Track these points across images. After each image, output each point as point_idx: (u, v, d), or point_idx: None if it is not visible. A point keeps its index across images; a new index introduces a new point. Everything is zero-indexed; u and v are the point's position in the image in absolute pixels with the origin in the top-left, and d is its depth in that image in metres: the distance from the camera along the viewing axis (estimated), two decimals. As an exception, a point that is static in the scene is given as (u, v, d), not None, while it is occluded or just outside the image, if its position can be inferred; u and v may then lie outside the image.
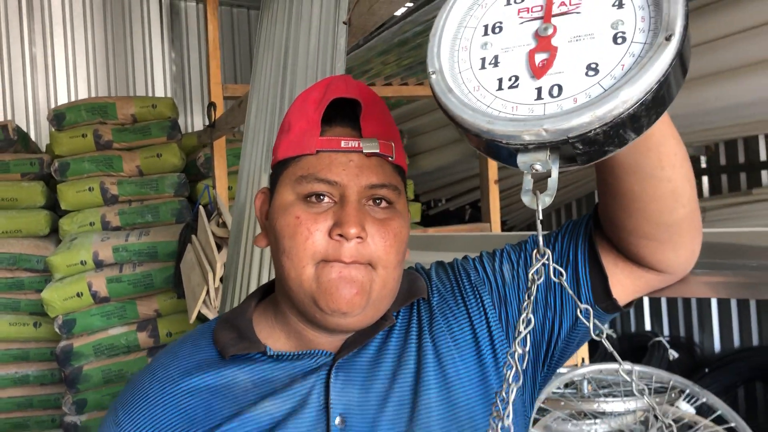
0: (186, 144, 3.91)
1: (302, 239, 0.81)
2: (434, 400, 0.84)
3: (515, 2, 0.61)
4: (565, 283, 0.61)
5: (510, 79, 0.57)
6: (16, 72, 5.20)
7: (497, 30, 0.60)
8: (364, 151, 0.83)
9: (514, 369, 0.59)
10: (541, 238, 0.59)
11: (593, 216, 0.87)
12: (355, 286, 0.81)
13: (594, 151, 0.54)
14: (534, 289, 0.59)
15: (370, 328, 0.87)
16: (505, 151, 0.56)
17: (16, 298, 3.62)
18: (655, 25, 0.55)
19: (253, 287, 1.78)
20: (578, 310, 0.61)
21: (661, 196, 0.74)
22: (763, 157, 3.82)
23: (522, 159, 0.54)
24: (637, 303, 4.88)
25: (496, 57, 0.59)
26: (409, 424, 0.83)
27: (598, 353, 4.21)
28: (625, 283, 0.86)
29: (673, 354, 4.47)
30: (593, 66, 0.54)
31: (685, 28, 0.54)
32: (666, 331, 4.66)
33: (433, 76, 0.60)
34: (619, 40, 0.55)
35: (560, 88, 0.55)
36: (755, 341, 4.03)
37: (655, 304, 4.76)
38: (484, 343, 0.87)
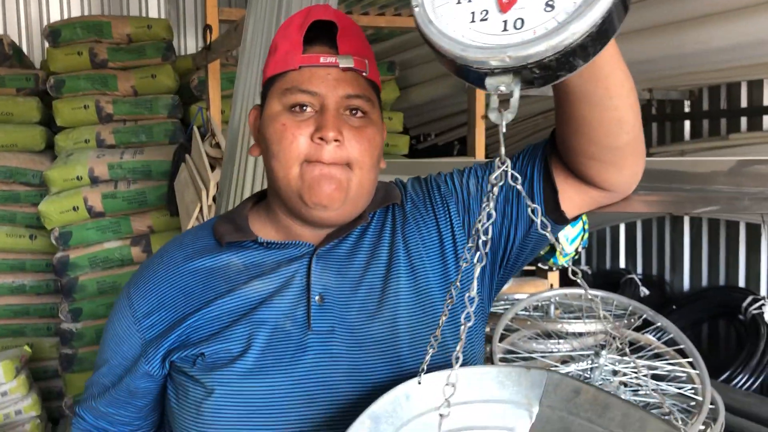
0: (179, 66, 3.96)
1: (287, 143, 0.96)
2: (402, 286, 0.99)
3: None
4: (520, 187, 0.73)
5: (481, 13, 0.66)
6: (9, -14, 5.15)
7: None
8: (340, 65, 0.97)
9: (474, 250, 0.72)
10: (503, 149, 0.71)
11: (550, 140, 1.00)
12: (334, 183, 0.95)
13: (549, 76, 0.64)
14: (495, 191, 0.72)
15: (347, 224, 1.02)
16: (474, 75, 0.66)
17: (12, 210, 3.72)
18: None
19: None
20: (528, 210, 0.74)
21: (608, 123, 0.87)
22: (743, 104, 3.92)
23: (489, 81, 0.65)
24: (613, 241, 5.05)
25: None
26: (378, 304, 0.98)
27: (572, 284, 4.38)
28: (573, 198, 0.99)
29: (644, 291, 4.67)
30: (550, 3, 0.63)
31: None
32: (639, 269, 4.84)
33: (416, 9, 0.69)
34: None
35: (522, 21, 0.64)
36: (722, 281, 4.22)
37: (630, 243, 4.93)
38: (448, 243, 1.03)
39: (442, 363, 0.96)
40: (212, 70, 3.03)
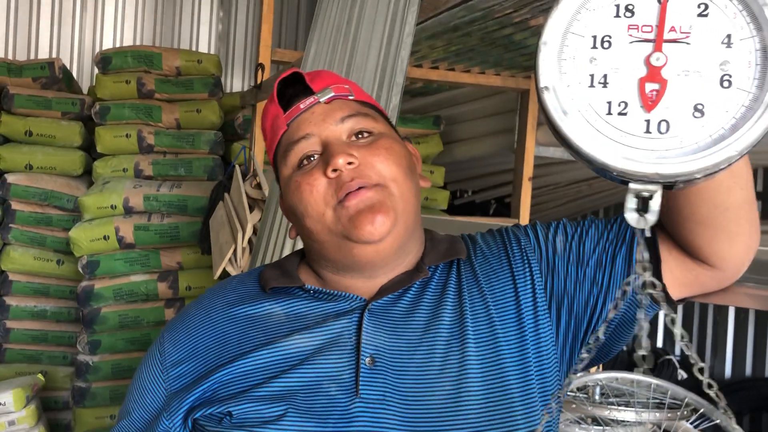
0: (224, 104, 3.93)
1: (308, 194, 0.87)
2: (468, 354, 0.86)
3: (625, 15, 0.59)
4: (660, 296, 0.61)
5: (619, 105, 0.57)
6: (66, 12, 5.24)
7: (606, 45, 0.58)
8: (321, 100, 0.91)
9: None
10: (646, 253, 0.60)
11: None
12: (377, 211, 0.85)
13: (697, 180, 0.57)
14: (621, 300, 0.61)
15: (404, 277, 0.90)
16: (611, 176, 0.58)
17: (43, 234, 3.67)
18: (763, 75, 0.54)
19: (287, 248, 1.80)
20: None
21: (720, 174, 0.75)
22: None
23: (633, 187, 0.57)
24: (651, 319, 4.83)
25: (605, 76, 0.57)
26: (439, 372, 0.85)
27: (607, 363, 4.20)
28: (675, 273, 0.86)
29: (681, 374, 4.45)
30: (699, 107, 0.55)
31: None
32: (677, 351, 4.64)
33: (546, 93, 0.58)
34: (725, 83, 0.54)
35: (668, 124, 0.55)
36: None
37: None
38: (527, 308, 0.89)
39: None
40: (260, 109, 2.97)
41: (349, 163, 0.85)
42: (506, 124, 3.66)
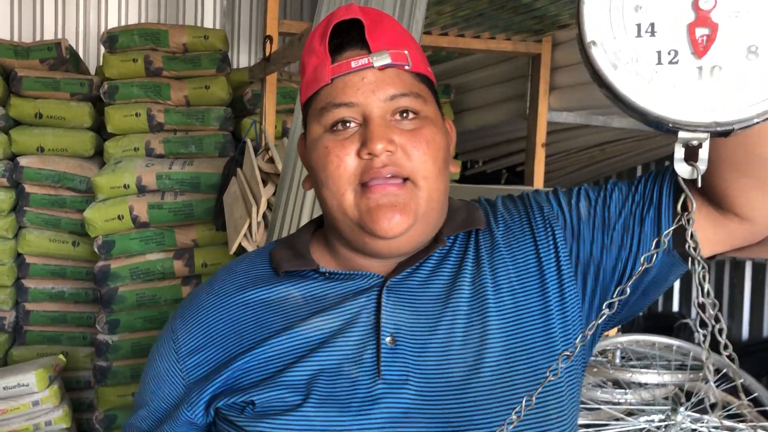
0: (232, 79, 3.90)
1: (334, 167, 0.83)
2: (491, 328, 0.84)
3: None
4: (697, 247, 0.59)
5: (669, 53, 0.55)
6: (70, -8, 5.20)
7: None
8: (375, 65, 0.83)
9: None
10: (693, 203, 0.59)
11: None
12: (398, 208, 0.81)
13: (746, 129, 0.55)
14: (656, 252, 0.61)
15: (421, 251, 0.87)
16: (666, 128, 0.56)
17: (57, 216, 3.68)
18: None
19: (304, 221, 1.79)
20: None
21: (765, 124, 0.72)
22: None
23: (683, 135, 0.55)
24: (668, 283, 4.81)
25: (652, 25, 0.56)
26: (460, 347, 0.83)
27: (623, 327, 4.19)
28: (706, 230, 0.83)
29: (698, 337, 4.44)
30: (753, 49, 0.52)
31: None
32: (693, 314, 4.62)
33: (594, 48, 0.56)
34: None
35: (721, 69, 0.53)
36: (786, 332, 3.99)
37: (685, 286, 4.71)
38: (551, 277, 0.87)
39: (536, 421, 0.82)
40: (269, 82, 2.95)
41: (387, 151, 0.81)
42: (517, 90, 3.61)
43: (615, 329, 2.58)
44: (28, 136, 3.64)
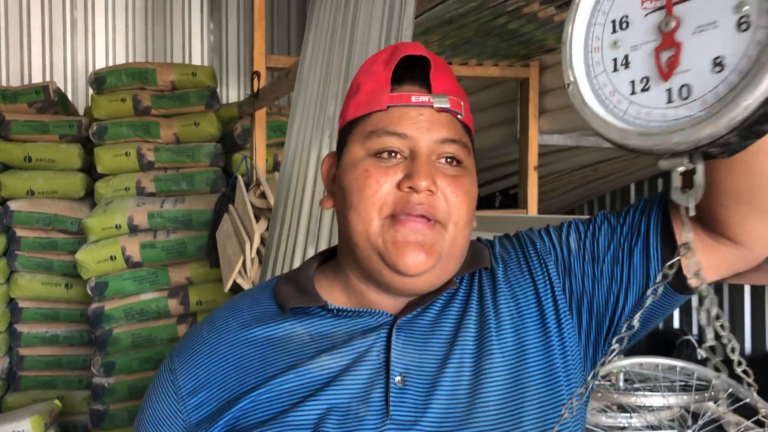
0: (222, 115, 3.90)
1: (371, 192, 0.81)
2: (496, 366, 0.83)
3: None
4: (702, 278, 0.58)
5: (642, 81, 0.56)
6: (57, 34, 5.23)
7: (624, 25, 0.58)
8: (434, 105, 0.83)
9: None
10: (690, 234, 0.59)
11: None
12: (424, 248, 0.81)
13: (733, 148, 0.53)
14: (661, 284, 0.61)
15: (432, 291, 0.86)
16: (654, 156, 0.56)
17: (50, 259, 3.65)
18: None
19: (298, 257, 1.77)
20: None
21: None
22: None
23: (663, 163, 0.55)
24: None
25: (626, 57, 0.57)
26: (469, 389, 0.82)
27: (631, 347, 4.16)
28: (698, 258, 0.82)
29: (701, 353, 4.40)
30: (719, 60, 0.51)
31: None
32: (695, 330, 4.59)
33: (569, 89, 0.59)
34: (743, 26, 0.50)
35: (689, 88, 0.53)
36: (788, 346, 3.96)
37: (685, 303, 4.70)
38: (549, 312, 0.86)
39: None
40: (258, 117, 2.94)
41: (429, 190, 0.80)
42: (507, 114, 3.63)
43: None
44: (18, 179, 3.62)
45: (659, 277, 0.59)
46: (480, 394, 0.81)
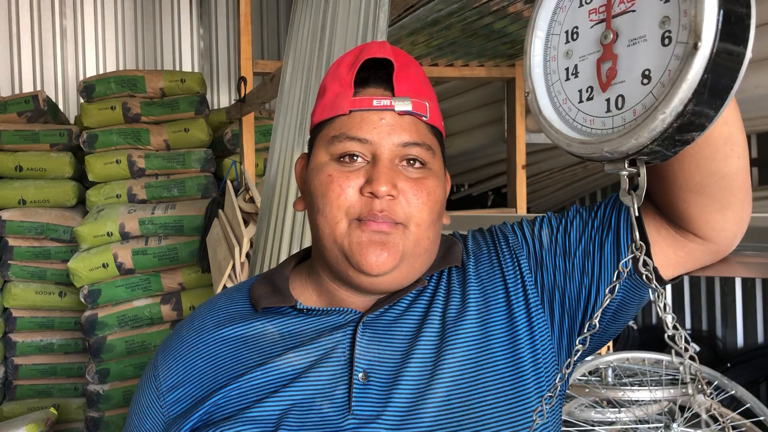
0: (212, 120, 3.92)
1: (335, 196, 0.83)
2: (456, 358, 0.84)
3: (586, 2, 0.60)
4: (651, 276, 0.60)
5: (587, 90, 0.58)
6: (47, 43, 5.23)
7: (575, 36, 0.60)
8: (396, 109, 0.84)
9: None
10: (636, 233, 0.61)
11: None
12: (387, 248, 0.82)
13: (663, 155, 0.55)
14: (617, 283, 0.62)
15: (402, 289, 0.88)
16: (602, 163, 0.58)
17: (43, 267, 3.66)
18: (695, 22, 0.52)
19: (283, 257, 1.78)
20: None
21: (715, 139, 0.73)
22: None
23: (607, 167, 0.57)
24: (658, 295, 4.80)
25: (576, 66, 0.59)
26: (428, 382, 0.83)
27: (618, 342, 4.18)
28: (667, 252, 0.84)
29: (694, 347, 4.42)
30: (647, 73, 0.53)
31: (721, 33, 0.50)
32: (688, 324, 4.61)
33: (528, 97, 0.62)
34: (666, 41, 0.52)
35: (623, 98, 0.55)
36: (780, 338, 3.98)
37: (678, 296, 4.71)
38: (518, 306, 0.87)
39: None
40: (246, 122, 2.96)
41: (389, 195, 0.82)
42: (495, 114, 3.64)
43: (605, 348, 2.57)
44: (9, 189, 3.63)
45: (615, 275, 0.61)
46: (443, 389, 0.83)
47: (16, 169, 3.64)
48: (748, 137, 3.82)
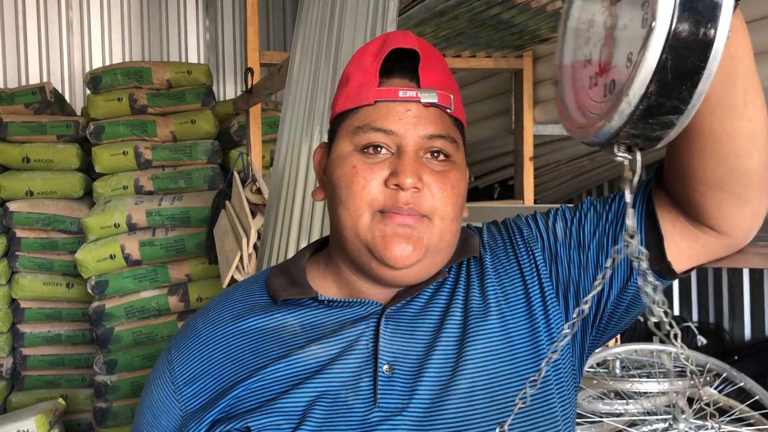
0: (219, 112, 3.91)
1: (359, 188, 0.82)
2: (480, 351, 0.84)
3: None
4: (646, 264, 0.59)
5: (593, 77, 0.58)
6: (53, 35, 5.23)
7: (593, 23, 0.60)
8: (422, 101, 0.84)
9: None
10: (630, 220, 0.59)
11: (655, 176, 0.86)
12: (411, 241, 0.82)
13: (647, 137, 0.54)
14: (610, 268, 0.61)
15: (423, 281, 0.87)
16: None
17: (50, 259, 3.67)
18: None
19: (291, 251, 1.78)
20: (635, 264, 0.60)
21: (739, 136, 0.72)
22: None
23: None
24: (666, 287, 4.79)
25: (590, 53, 0.59)
26: (452, 376, 0.83)
27: (626, 334, 4.17)
28: (681, 245, 0.84)
29: (701, 340, 4.41)
30: (630, 56, 0.52)
31: (680, 11, 0.48)
32: (695, 317, 4.60)
33: (554, 87, 0.63)
34: (644, 23, 0.52)
35: (614, 83, 0.55)
36: (788, 330, 3.97)
37: (685, 289, 4.70)
38: (535, 299, 0.87)
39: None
40: (253, 114, 2.95)
41: (414, 188, 0.81)
42: (502, 105, 3.63)
43: (613, 340, 2.57)
44: (17, 180, 3.64)
45: (608, 262, 0.60)
46: (466, 382, 0.83)
47: (24, 160, 3.65)
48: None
